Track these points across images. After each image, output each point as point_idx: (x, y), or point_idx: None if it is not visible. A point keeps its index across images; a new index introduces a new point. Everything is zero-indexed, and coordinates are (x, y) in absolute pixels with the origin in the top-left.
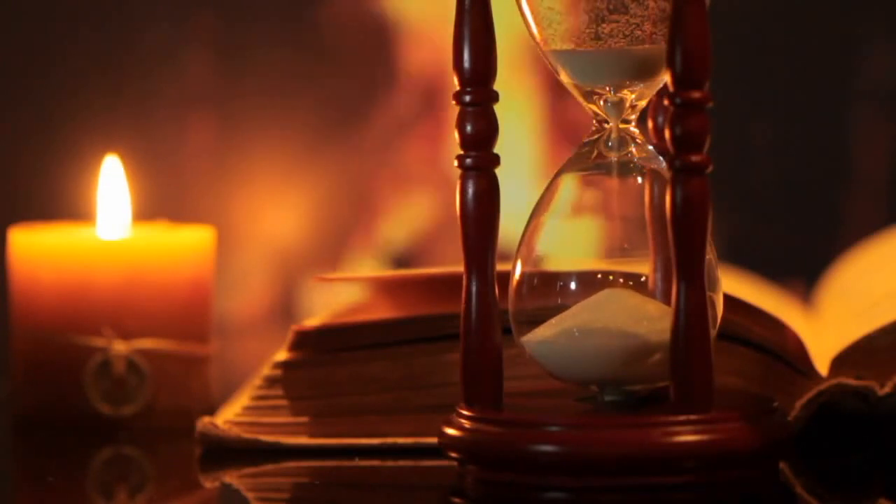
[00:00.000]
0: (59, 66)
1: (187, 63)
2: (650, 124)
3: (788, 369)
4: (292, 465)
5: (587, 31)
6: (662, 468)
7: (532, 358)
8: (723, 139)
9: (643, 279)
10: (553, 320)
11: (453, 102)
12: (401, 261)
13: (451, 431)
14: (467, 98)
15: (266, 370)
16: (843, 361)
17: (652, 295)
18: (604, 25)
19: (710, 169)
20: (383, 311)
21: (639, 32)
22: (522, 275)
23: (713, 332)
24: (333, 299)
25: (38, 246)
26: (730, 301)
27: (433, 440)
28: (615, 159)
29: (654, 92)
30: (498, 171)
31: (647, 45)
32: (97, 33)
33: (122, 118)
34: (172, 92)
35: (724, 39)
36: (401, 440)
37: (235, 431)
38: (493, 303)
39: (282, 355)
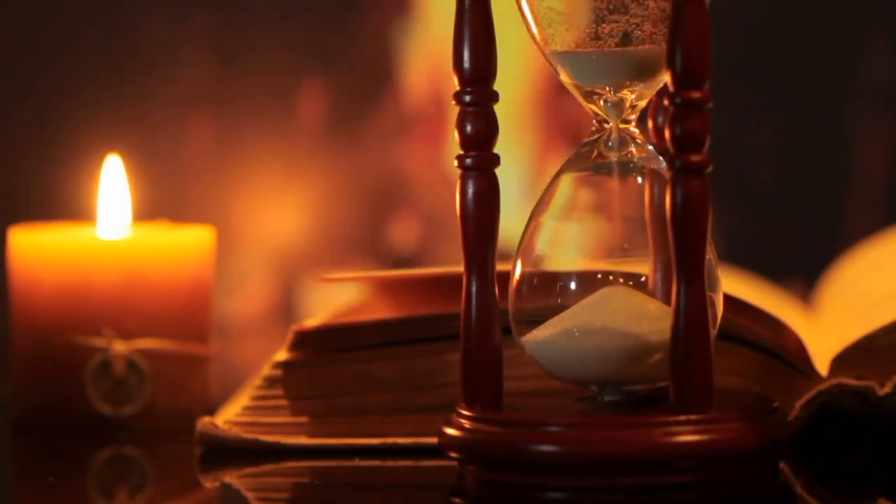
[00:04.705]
0: (60, 65)
1: (187, 63)
2: (650, 124)
3: (788, 369)
4: (292, 465)
5: (587, 31)
6: (662, 468)
7: (532, 358)
8: (723, 139)
9: (643, 279)
10: (553, 320)
11: (453, 102)
12: (401, 261)
13: (451, 431)
14: (467, 98)
15: (266, 370)
16: (843, 361)
17: (652, 295)
18: (604, 25)
19: (710, 169)
20: (383, 311)
21: (638, 32)
22: (522, 275)
23: (713, 332)
24: (333, 299)
25: (38, 246)
26: (730, 301)
27: (433, 440)
28: (615, 159)
29: (654, 92)
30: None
31: (647, 46)
32: (97, 33)
33: (123, 118)
34: (172, 92)
35: (724, 39)
36: (401, 440)
37: (235, 431)
38: (493, 303)
39: (282, 355)
